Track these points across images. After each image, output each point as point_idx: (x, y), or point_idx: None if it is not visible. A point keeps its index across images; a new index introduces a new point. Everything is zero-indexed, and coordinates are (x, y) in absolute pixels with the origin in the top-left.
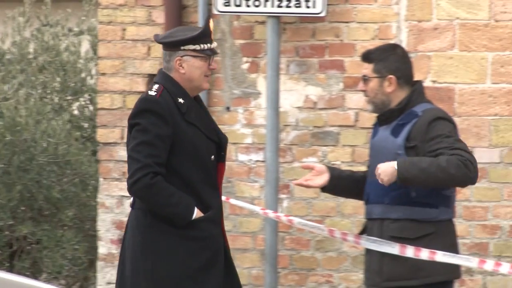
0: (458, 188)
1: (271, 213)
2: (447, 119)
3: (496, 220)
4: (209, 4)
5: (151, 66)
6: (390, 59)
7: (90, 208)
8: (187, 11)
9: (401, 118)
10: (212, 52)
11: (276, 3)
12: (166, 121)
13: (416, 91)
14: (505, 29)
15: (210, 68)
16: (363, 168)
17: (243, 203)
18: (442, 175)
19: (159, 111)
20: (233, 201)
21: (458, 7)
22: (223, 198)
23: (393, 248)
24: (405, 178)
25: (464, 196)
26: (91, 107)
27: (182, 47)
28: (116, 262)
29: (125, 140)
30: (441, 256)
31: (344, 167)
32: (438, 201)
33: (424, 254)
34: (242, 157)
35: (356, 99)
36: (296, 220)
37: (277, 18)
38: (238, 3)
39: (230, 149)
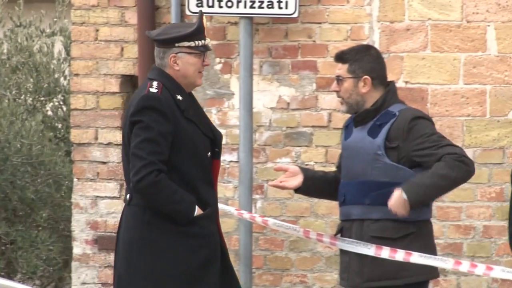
0: None
1: (246, 214)
2: (425, 118)
3: (469, 221)
4: (181, 5)
5: (125, 67)
6: (365, 60)
7: (64, 209)
8: (160, 12)
9: (378, 119)
10: (206, 48)
11: (249, 4)
12: (167, 118)
13: (391, 91)
14: (477, 30)
15: (204, 64)
16: (333, 169)
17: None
18: (446, 182)
19: (161, 108)
20: None
21: (430, 8)
22: None
23: (369, 250)
24: (418, 202)
25: None
26: (64, 108)
27: (176, 44)
28: (91, 262)
29: (99, 140)
30: (417, 257)
31: (318, 167)
32: None
33: (400, 255)
34: None
35: (329, 100)
36: (271, 221)
37: (249, 19)
38: (210, 4)
39: None
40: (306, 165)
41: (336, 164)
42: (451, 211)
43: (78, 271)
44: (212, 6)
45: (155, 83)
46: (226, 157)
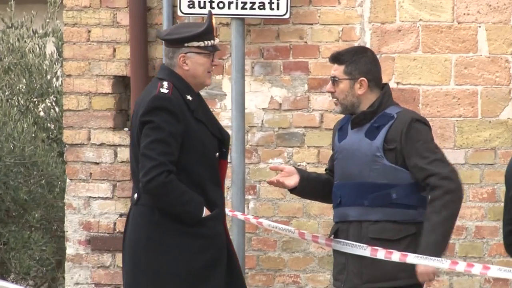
0: None
1: (240, 215)
2: (422, 122)
3: (461, 221)
4: (173, 6)
5: (117, 68)
6: (362, 62)
7: (57, 209)
8: (152, 13)
9: (375, 121)
10: (215, 48)
11: (240, 5)
12: (178, 118)
13: (387, 93)
14: (468, 30)
15: (213, 64)
16: (323, 170)
17: None
18: (451, 220)
19: (171, 108)
20: None
21: (421, 9)
22: None
23: (365, 251)
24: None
25: None
26: (57, 109)
27: (186, 44)
28: (84, 263)
29: (91, 141)
30: (413, 258)
31: (310, 168)
32: (417, 202)
33: (396, 256)
34: None
35: (321, 101)
36: (265, 222)
37: (241, 20)
38: (202, 5)
39: None
40: (298, 165)
41: (327, 166)
42: None
43: (71, 272)
44: (204, 7)
45: (165, 84)
46: None
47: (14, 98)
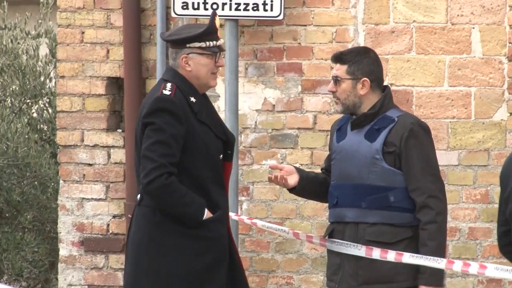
0: None
1: (233, 215)
2: (424, 128)
3: (455, 222)
4: (167, 7)
5: (110, 69)
6: (365, 62)
7: (50, 210)
8: (146, 14)
9: (375, 123)
10: (219, 49)
11: (234, 6)
12: (180, 120)
13: (388, 96)
14: (462, 32)
15: (217, 65)
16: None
17: None
18: (442, 246)
19: (174, 110)
20: None
21: (415, 10)
22: None
23: (360, 250)
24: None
25: None
26: (50, 110)
27: (187, 45)
28: (77, 264)
29: (85, 142)
30: (408, 258)
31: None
32: (414, 206)
33: (391, 255)
34: None
35: (315, 102)
36: (260, 222)
37: (235, 21)
38: (196, 6)
39: None
40: None
41: (323, 166)
42: None
43: (65, 273)
44: (198, 9)
45: (168, 85)
46: None
47: (7, 99)
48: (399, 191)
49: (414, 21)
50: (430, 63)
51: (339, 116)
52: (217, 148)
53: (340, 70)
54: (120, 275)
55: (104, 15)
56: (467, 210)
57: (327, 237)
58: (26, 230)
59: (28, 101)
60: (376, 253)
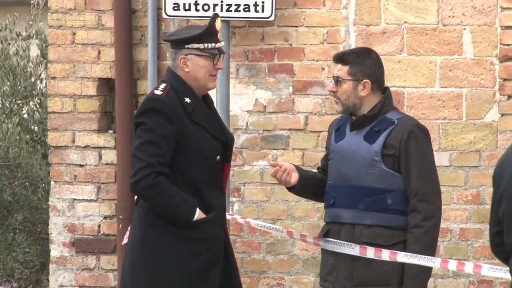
0: None
1: (227, 215)
2: (424, 131)
3: (446, 223)
4: (158, 8)
5: (102, 70)
6: (366, 63)
7: (41, 211)
8: (137, 15)
9: (375, 125)
10: (218, 51)
11: (225, 7)
12: (171, 120)
13: (388, 98)
14: (453, 33)
15: (216, 67)
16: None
17: None
18: (432, 249)
19: (164, 110)
20: None
21: (406, 11)
22: None
23: (353, 250)
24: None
25: None
26: (41, 111)
27: (186, 46)
28: (69, 265)
29: (76, 143)
30: (402, 257)
31: None
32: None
33: (385, 254)
34: None
35: (306, 103)
36: (253, 221)
37: (226, 22)
38: (187, 7)
39: None
40: None
41: (320, 165)
42: None
43: (56, 274)
44: (189, 10)
45: (162, 85)
46: None
47: None
48: (397, 194)
49: (405, 22)
50: (421, 64)
51: (330, 117)
52: (213, 149)
53: (341, 70)
54: (111, 276)
55: (95, 16)
56: (458, 211)
57: (321, 237)
58: (17, 230)
59: (19, 102)
60: (370, 252)
